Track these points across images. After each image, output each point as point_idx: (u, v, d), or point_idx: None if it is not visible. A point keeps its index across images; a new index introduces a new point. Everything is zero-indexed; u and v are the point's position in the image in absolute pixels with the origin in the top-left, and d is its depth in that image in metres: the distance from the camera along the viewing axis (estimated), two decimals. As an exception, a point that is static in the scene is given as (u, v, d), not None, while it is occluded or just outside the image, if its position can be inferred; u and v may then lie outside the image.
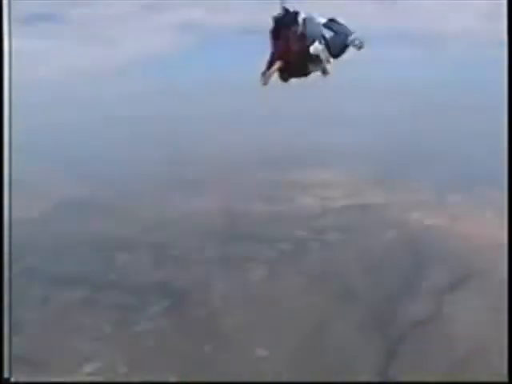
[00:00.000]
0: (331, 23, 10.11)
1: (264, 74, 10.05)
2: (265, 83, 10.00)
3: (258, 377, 27.74)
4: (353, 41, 9.80)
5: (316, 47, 9.74)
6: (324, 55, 9.77)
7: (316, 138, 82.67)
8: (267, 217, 47.30)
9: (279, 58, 10.08)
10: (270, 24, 10.22)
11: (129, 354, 30.42)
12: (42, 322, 33.84)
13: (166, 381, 28.16)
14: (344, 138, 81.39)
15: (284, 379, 27.55)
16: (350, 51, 9.84)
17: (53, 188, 62.26)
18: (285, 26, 10.16)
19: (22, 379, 28.67)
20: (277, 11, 10.48)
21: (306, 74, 10.24)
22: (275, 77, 9.86)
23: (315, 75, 9.95)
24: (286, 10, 10.32)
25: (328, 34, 10.00)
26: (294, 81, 9.98)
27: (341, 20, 10.23)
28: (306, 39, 9.86)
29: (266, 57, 10.72)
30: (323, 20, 10.12)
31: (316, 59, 9.85)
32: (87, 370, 29.37)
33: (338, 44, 10.01)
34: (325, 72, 9.86)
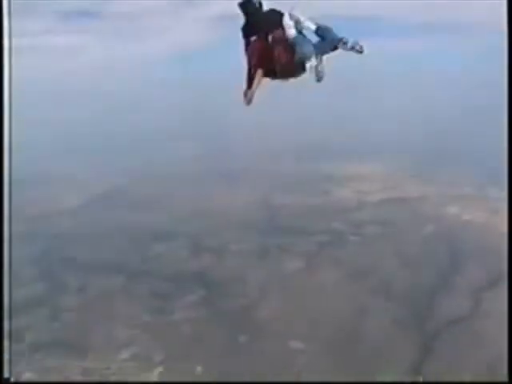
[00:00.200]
0: (320, 29, 9.58)
1: (246, 93, 9.57)
2: (248, 103, 9.56)
3: (292, 369, 27.47)
4: (354, 46, 9.38)
5: (312, 65, 9.25)
6: (319, 68, 9.35)
7: (351, 130, 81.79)
8: (304, 209, 47.09)
9: (259, 66, 9.45)
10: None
11: (165, 341, 30.56)
12: (81, 309, 34.38)
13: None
14: (379, 130, 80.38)
15: (318, 372, 27.39)
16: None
17: (90, 180, 63.31)
18: (261, 24, 9.48)
19: (59, 362, 29.43)
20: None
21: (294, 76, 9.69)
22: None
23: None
24: (260, 3, 9.63)
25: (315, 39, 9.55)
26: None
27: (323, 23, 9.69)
28: (294, 50, 9.29)
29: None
30: (313, 26, 9.58)
31: (308, 70, 9.33)
32: (123, 357, 29.63)
33: (326, 50, 9.56)
34: (319, 80, 9.38)
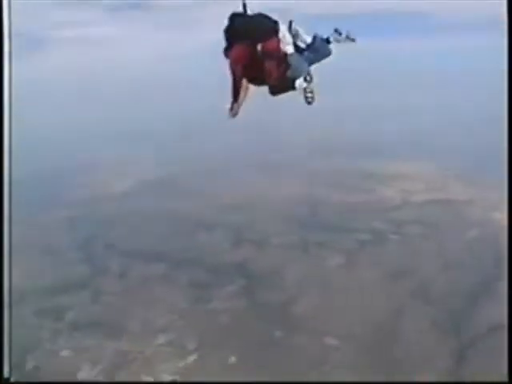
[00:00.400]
0: (316, 42, 9.07)
1: (232, 107, 9.06)
2: (234, 116, 9.18)
3: (325, 366, 27.23)
4: (348, 35, 9.06)
5: (300, 84, 8.66)
6: (308, 91, 8.78)
7: (387, 127, 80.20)
8: (346, 206, 46.47)
9: (244, 76, 8.71)
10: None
11: (200, 330, 30.76)
12: (121, 293, 35.13)
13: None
14: (424, 129, 78.47)
15: (351, 371, 27.25)
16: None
17: (133, 168, 64.41)
18: (250, 29, 8.58)
19: (95, 342, 30.20)
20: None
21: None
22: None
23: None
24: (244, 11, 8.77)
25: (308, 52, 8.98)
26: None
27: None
28: (289, 67, 8.60)
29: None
30: (309, 39, 9.01)
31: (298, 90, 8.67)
32: (158, 342, 30.04)
33: (317, 60, 9.03)
34: (310, 103, 8.83)
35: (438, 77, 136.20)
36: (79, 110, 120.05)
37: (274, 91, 8.96)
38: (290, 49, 8.68)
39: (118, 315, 32.61)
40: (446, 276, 34.95)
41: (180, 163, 65.24)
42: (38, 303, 34.71)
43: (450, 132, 75.02)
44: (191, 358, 28.85)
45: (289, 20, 8.90)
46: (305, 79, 8.76)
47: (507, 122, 11.04)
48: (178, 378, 27.34)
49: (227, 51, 8.90)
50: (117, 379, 27.38)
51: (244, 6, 8.66)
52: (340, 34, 9.26)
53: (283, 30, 8.70)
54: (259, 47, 8.48)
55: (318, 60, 9.12)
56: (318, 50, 9.09)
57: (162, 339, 30.41)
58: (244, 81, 8.81)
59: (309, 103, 8.84)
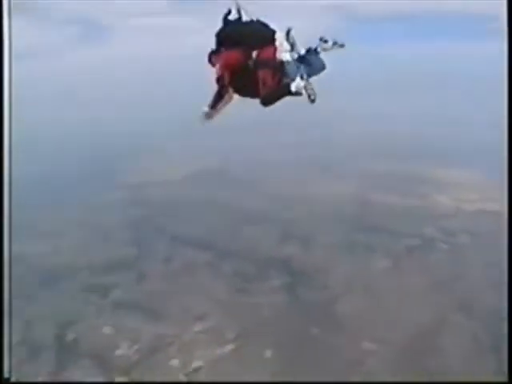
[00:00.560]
0: (309, 54, 8.62)
1: (209, 113, 8.62)
2: (208, 119, 8.63)
3: (360, 368, 26.75)
4: (335, 42, 8.62)
5: (298, 84, 8.03)
6: (308, 88, 8.15)
7: (439, 133, 77.93)
8: (398, 210, 45.40)
9: (230, 84, 8.32)
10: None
11: (240, 321, 30.93)
12: (165, 278, 35.74)
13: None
14: (473, 134, 75.70)
15: (384, 376, 26.86)
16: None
17: (190, 159, 65.20)
18: (245, 36, 8.20)
19: (135, 324, 30.77)
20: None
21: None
22: None
23: None
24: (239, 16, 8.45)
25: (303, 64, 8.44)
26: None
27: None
28: (284, 75, 8.19)
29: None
30: (303, 51, 8.56)
31: (296, 94, 8.11)
32: (197, 328, 30.44)
33: (313, 74, 8.46)
34: (313, 101, 8.19)
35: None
36: (143, 95, 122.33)
37: (267, 101, 8.36)
38: (286, 56, 8.32)
39: (161, 298, 33.20)
40: (492, 290, 33.90)
41: (235, 156, 66.11)
42: (85, 280, 35.78)
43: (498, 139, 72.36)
44: (228, 348, 29.06)
45: (287, 28, 8.51)
46: (301, 77, 8.19)
47: (507, 122, 10.60)
48: (211, 366, 27.55)
49: (213, 55, 8.52)
50: (152, 361, 27.92)
51: (238, 10, 8.39)
52: (326, 41, 8.80)
53: (280, 38, 8.40)
54: (254, 54, 8.14)
55: (313, 74, 8.63)
56: (311, 63, 8.66)
57: (201, 326, 30.77)
58: (230, 90, 8.47)
59: (312, 101, 8.23)
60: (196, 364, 27.72)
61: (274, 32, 8.38)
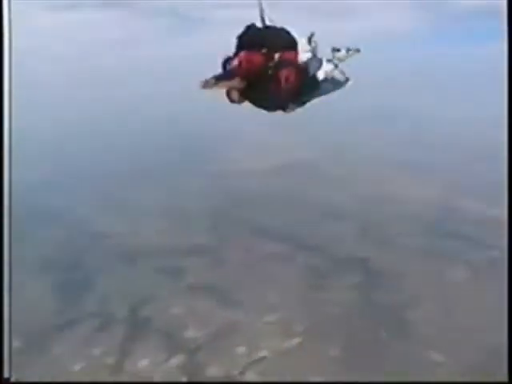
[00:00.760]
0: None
1: (208, 82, 8.05)
2: (203, 87, 7.98)
3: (422, 380, 25.73)
4: (349, 49, 8.36)
5: (327, 70, 7.95)
6: (339, 70, 8.07)
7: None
8: (483, 219, 43.73)
9: (242, 76, 8.03)
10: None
11: (309, 316, 31.11)
12: (240, 266, 36.69)
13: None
14: None
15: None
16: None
17: (283, 148, 65.60)
18: (269, 40, 8.01)
19: (208, 309, 31.65)
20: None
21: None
22: None
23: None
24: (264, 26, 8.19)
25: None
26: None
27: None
28: (306, 73, 8.03)
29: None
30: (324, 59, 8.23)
31: (324, 84, 7.97)
32: (267, 319, 30.94)
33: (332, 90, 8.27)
34: (347, 80, 8.12)
35: None
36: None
37: (289, 98, 8.24)
38: (307, 55, 8.18)
39: (234, 286, 34.07)
40: None
41: (322, 151, 65.98)
42: (161, 261, 37.15)
43: None
44: (295, 341, 29.28)
45: (310, 32, 8.28)
46: (329, 61, 8.22)
47: (507, 123, 10.12)
48: (275, 358, 27.89)
49: (230, 60, 8.20)
50: (218, 345, 28.71)
51: (262, 18, 8.17)
52: (338, 50, 8.55)
53: (302, 42, 8.23)
54: (277, 56, 7.97)
55: (336, 88, 8.42)
56: (336, 81, 8.38)
57: (270, 317, 31.21)
58: (238, 79, 8.07)
59: (347, 80, 8.20)
60: (261, 354, 28.13)
61: (295, 39, 8.22)
